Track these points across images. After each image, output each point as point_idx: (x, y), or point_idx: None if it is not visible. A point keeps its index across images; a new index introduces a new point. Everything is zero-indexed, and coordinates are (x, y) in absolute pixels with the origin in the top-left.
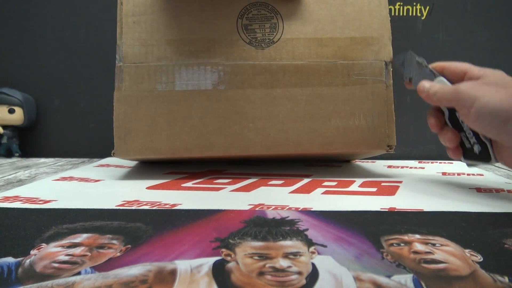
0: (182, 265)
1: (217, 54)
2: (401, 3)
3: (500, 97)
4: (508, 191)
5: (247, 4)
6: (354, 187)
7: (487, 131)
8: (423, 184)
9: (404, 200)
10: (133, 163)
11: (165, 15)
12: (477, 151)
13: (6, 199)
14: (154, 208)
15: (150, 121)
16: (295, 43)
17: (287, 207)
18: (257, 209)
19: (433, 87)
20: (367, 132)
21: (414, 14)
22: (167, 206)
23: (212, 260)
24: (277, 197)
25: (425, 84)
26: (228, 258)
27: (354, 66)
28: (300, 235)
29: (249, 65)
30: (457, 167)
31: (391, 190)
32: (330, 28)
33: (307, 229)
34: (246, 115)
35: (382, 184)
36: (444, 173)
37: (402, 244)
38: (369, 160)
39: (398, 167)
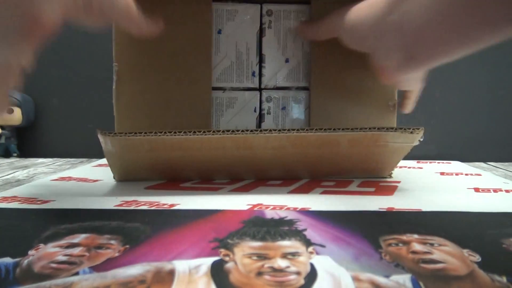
0: (181, 265)
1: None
2: None
3: (360, 7)
4: (506, 191)
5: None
6: (352, 187)
7: (358, 43)
8: (422, 184)
9: (403, 200)
10: None
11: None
12: None
13: (4, 199)
14: (152, 208)
15: (149, 170)
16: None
17: (286, 207)
18: (255, 209)
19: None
20: None
21: None
22: (165, 206)
23: (210, 260)
24: (276, 197)
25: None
26: (227, 258)
27: (380, 135)
28: (298, 235)
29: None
30: (455, 167)
31: (389, 190)
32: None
33: (305, 229)
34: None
35: (381, 184)
36: (442, 173)
37: (400, 244)
38: None
39: (396, 167)
